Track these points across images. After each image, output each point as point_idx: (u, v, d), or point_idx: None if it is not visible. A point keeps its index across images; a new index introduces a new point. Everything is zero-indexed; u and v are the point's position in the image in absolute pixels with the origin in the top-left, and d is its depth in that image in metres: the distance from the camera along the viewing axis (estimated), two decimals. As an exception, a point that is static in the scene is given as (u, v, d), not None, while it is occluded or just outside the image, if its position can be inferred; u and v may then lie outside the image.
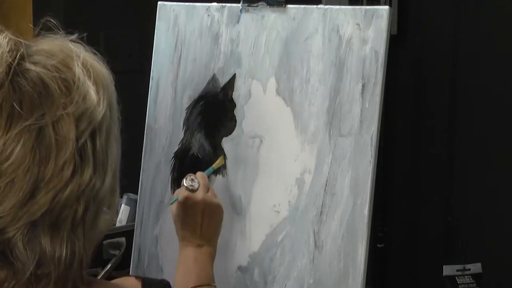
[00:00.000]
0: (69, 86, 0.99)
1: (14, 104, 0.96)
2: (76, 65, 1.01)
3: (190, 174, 1.52)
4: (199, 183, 1.50)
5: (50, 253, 0.99)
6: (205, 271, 1.47)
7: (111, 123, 1.04)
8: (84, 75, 1.01)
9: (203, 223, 1.49)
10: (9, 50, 0.98)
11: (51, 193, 0.97)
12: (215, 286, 1.47)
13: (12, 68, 0.97)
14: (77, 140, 0.98)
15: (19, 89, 0.97)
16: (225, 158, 1.64)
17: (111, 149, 1.03)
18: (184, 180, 1.50)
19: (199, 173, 1.53)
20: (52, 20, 1.06)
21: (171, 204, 1.51)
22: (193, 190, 1.49)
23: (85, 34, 1.06)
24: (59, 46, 1.03)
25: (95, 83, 1.02)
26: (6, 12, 2.36)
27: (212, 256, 1.49)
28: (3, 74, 0.97)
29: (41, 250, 0.99)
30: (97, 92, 1.01)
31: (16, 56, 0.98)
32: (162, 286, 1.18)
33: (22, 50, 0.99)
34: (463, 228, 2.39)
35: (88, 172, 0.99)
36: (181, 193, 1.49)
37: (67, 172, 0.98)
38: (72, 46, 1.04)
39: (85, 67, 1.02)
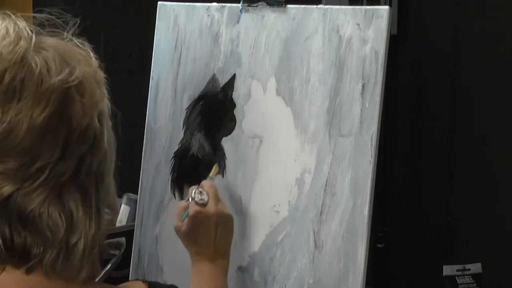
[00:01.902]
0: (86, 54, 1.06)
1: (41, 67, 0.99)
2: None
3: (196, 186, 1.47)
4: (208, 194, 1.46)
5: (83, 222, 1.01)
6: (220, 284, 1.44)
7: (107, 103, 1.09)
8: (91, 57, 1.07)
9: (216, 236, 1.45)
10: (26, 27, 1.03)
11: (75, 157, 1.00)
12: None
13: (33, 41, 1.02)
14: (96, 102, 1.03)
15: (44, 50, 1.02)
16: (220, 165, 1.64)
17: (110, 130, 1.08)
18: (193, 193, 1.45)
19: (206, 183, 1.49)
20: (53, 17, 1.09)
21: (183, 220, 1.46)
22: (203, 204, 1.45)
23: (79, 31, 1.10)
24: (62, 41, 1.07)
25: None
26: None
27: (226, 269, 1.46)
28: (27, 42, 1.01)
29: (75, 218, 1.00)
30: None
31: (33, 33, 1.03)
32: None
33: (34, 32, 1.04)
34: (463, 228, 2.39)
35: (104, 144, 1.03)
36: (190, 207, 1.45)
37: (90, 136, 1.02)
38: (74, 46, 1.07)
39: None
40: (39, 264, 1.00)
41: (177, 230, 1.48)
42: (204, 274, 1.44)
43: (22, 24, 1.03)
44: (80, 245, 1.01)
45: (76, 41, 1.08)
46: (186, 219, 1.45)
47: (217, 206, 1.46)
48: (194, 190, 1.46)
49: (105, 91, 1.07)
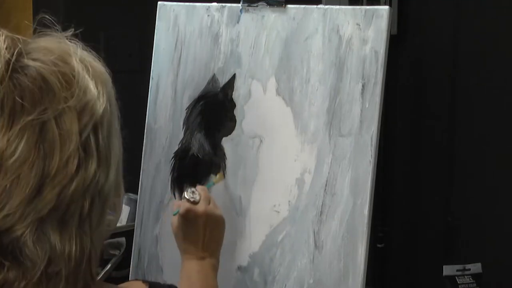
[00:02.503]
0: (68, 80, 0.99)
1: (16, 99, 0.96)
2: (74, 60, 1.01)
3: (190, 187, 1.50)
4: (200, 195, 1.48)
5: (60, 250, 0.98)
6: (209, 283, 1.46)
7: (112, 118, 1.03)
8: (83, 69, 1.01)
9: (205, 235, 1.47)
10: (6, 47, 0.98)
11: (57, 188, 0.97)
12: None
13: (11, 64, 0.97)
14: (80, 134, 0.97)
15: (19, 85, 0.97)
16: (224, 174, 1.64)
17: (113, 144, 1.03)
18: (185, 192, 1.48)
19: (199, 187, 1.51)
20: (49, 17, 1.06)
21: (174, 215, 1.49)
22: (194, 202, 1.47)
23: (80, 30, 1.05)
24: (56, 42, 1.03)
25: (94, 78, 1.02)
26: (6, 12, 2.36)
27: (215, 268, 1.48)
28: (2, 70, 0.96)
29: (51, 247, 0.98)
30: (96, 87, 1.01)
31: (14, 52, 0.98)
32: None
33: (20, 46, 0.99)
34: (463, 228, 2.39)
35: (92, 167, 0.98)
36: (182, 205, 1.48)
37: (72, 167, 0.97)
38: (69, 43, 1.04)
39: (83, 62, 1.02)
40: None
41: (171, 225, 1.49)
42: (192, 271, 1.46)
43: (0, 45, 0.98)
44: (63, 273, 0.99)
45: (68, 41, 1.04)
46: (177, 216, 1.47)
47: (208, 206, 1.47)
48: (187, 190, 1.48)
49: (101, 104, 1.00)
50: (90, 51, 1.06)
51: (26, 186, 0.96)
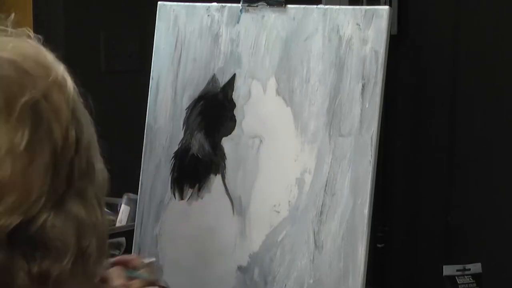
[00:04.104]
0: (38, 60, 1.01)
1: (5, 88, 0.97)
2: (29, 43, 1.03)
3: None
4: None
5: (88, 220, 1.00)
6: None
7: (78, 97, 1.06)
8: (39, 48, 1.02)
9: None
10: None
11: (66, 166, 0.98)
12: None
13: None
14: (67, 103, 0.99)
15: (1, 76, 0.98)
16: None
17: (85, 113, 1.05)
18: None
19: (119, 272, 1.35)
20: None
21: None
22: None
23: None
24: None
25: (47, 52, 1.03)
26: (6, 12, 2.35)
27: None
28: None
29: (78, 220, 0.99)
30: (54, 61, 1.02)
31: None
32: None
33: None
34: (463, 228, 2.39)
35: (86, 134, 1.01)
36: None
37: (72, 139, 0.99)
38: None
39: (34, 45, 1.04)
40: (60, 279, 1.00)
41: None
42: None
43: None
44: (93, 245, 1.01)
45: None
46: None
47: None
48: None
49: (68, 86, 1.01)
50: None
51: (43, 167, 0.96)
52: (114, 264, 1.31)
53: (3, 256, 0.96)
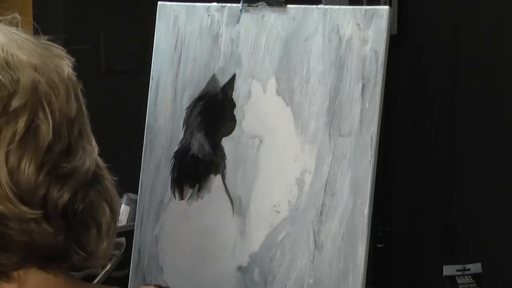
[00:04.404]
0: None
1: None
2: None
3: None
4: None
5: (114, 193, 1.02)
6: None
7: None
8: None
9: None
10: None
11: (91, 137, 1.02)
12: None
13: None
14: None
15: None
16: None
17: None
18: None
19: None
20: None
21: None
22: None
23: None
24: None
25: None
26: (6, 12, 2.35)
27: None
28: None
29: (111, 198, 1.02)
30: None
31: None
32: None
33: None
34: (463, 228, 2.39)
35: (74, 103, 1.01)
36: None
37: (72, 106, 1.00)
38: None
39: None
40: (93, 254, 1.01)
41: None
42: None
43: None
44: (109, 218, 1.02)
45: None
46: None
47: None
48: None
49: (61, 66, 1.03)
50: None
51: (57, 150, 0.96)
52: None
53: (59, 234, 0.97)
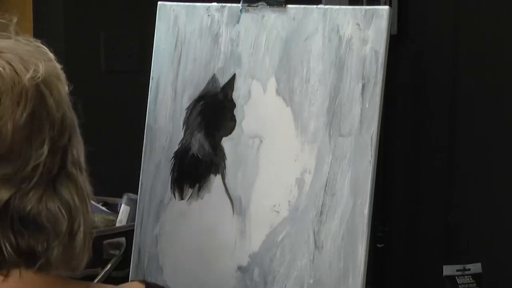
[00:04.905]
0: (38, 49, 1.07)
1: None
2: None
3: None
4: None
5: (80, 208, 1.04)
6: None
7: None
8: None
9: None
10: None
11: (60, 151, 1.03)
12: None
13: None
14: (65, 93, 1.06)
15: (2, 53, 1.03)
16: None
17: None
18: None
19: None
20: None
21: None
22: None
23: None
24: None
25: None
26: (6, 12, 2.35)
27: None
28: None
29: (71, 205, 1.03)
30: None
31: None
32: None
33: None
34: (463, 228, 2.39)
35: (77, 130, 1.06)
36: None
37: (70, 123, 1.05)
38: None
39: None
40: (47, 261, 1.02)
41: None
42: None
43: None
44: (81, 234, 1.04)
45: (22, 40, 1.08)
46: None
47: None
48: None
49: (64, 82, 1.08)
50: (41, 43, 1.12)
51: (39, 143, 1.00)
52: None
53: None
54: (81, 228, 1.04)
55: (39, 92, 1.02)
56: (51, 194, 1.02)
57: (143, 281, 1.18)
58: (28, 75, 1.01)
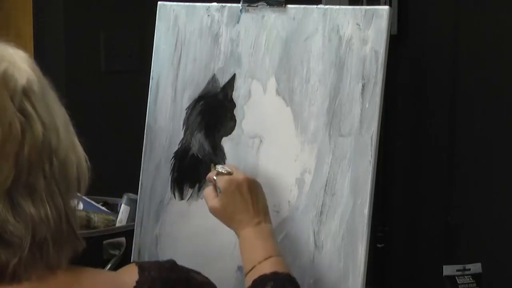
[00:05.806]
0: None
1: None
2: None
3: (215, 165, 1.52)
4: (229, 167, 1.49)
5: (38, 215, 1.03)
6: (270, 243, 1.42)
7: (43, 86, 1.07)
8: None
9: (253, 200, 1.45)
10: None
11: (11, 157, 1.01)
12: (282, 258, 1.42)
13: None
14: (12, 100, 1.02)
15: None
16: (223, 160, 1.64)
17: (53, 108, 1.07)
18: (217, 168, 1.48)
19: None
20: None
21: (219, 192, 1.46)
22: (230, 173, 1.47)
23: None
24: None
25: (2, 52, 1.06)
26: (6, 12, 2.36)
27: (272, 233, 1.44)
28: None
29: (28, 215, 1.02)
30: (10, 60, 1.05)
31: None
32: (158, 266, 1.18)
33: None
34: (463, 228, 2.39)
35: (38, 129, 1.03)
36: (220, 180, 1.46)
37: (17, 132, 1.01)
38: None
39: None
40: (21, 271, 1.02)
41: (213, 209, 1.46)
42: (250, 237, 1.42)
43: None
44: (49, 237, 1.02)
45: None
46: (220, 194, 1.45)
47: (243, 173, 1.47)
48: (216, 167, 1.49)
49: (15, 82, 1.04)
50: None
51: None
52: None
53: None
54: (47, 235, 1.03)
55: None
56: (8, 206, 1.01)
57: (138, 262, 1.19)
58: None
